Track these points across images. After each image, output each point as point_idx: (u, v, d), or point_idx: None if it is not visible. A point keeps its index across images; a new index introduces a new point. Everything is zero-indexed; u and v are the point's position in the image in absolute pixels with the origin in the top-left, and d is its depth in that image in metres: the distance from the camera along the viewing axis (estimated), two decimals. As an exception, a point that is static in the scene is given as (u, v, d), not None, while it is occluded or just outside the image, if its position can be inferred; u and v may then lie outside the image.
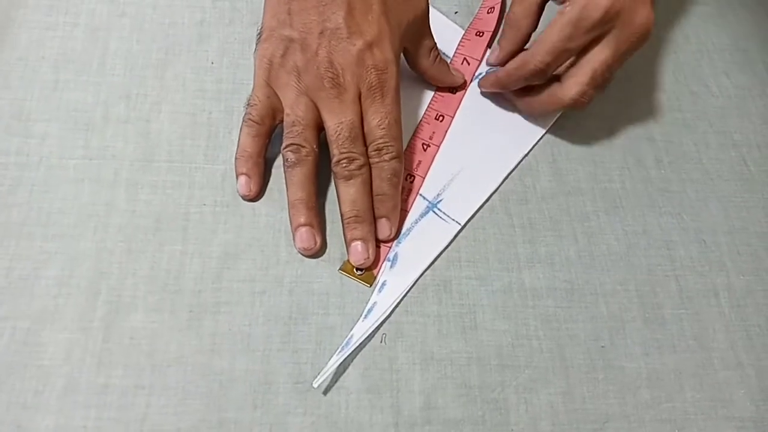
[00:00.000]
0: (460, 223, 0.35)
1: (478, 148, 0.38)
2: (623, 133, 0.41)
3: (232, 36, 0.40)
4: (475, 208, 0.36)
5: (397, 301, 0.33)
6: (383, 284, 0.33)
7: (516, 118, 0.40)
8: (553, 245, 0.36)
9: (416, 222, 0.35)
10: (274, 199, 0.35)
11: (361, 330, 0.32)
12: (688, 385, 0.33)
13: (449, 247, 0.35)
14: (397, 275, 0.33)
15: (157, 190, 0.34)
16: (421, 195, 0.36)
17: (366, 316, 0.32)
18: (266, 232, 0.34)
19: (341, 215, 0.34)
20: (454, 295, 0.34)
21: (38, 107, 0.36)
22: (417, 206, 0.36)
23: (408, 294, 0.33)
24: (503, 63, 0.39)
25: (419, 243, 0.35)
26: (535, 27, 0.38)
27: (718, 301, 0.36)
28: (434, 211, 0.36)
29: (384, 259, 0.34)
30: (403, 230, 0.35)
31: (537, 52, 0.35)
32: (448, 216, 0.36)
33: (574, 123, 0.40)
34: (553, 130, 0.40)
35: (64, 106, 0.36)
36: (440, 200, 0.36)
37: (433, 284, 0.34)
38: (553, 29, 0.35)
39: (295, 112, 0.33)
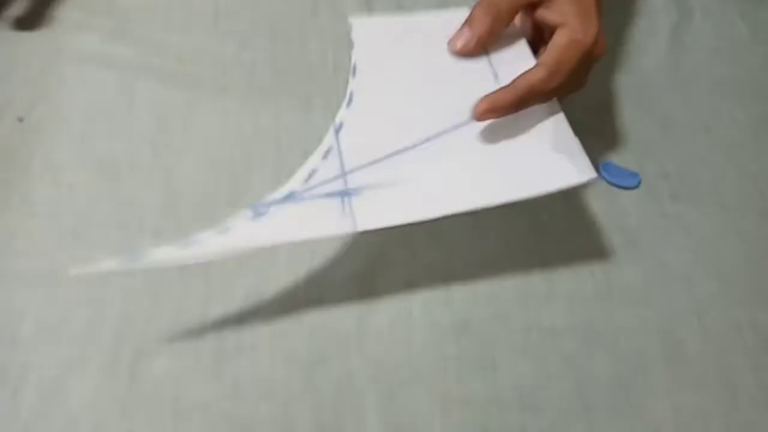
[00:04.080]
0: (356, 229, 0.30)
1: (450, 157, 0.33)
2: (637, 168, 0.41)
3: (252, 86, 0.41)
4: (392, 225, 0.31)
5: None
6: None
7: (513, 165, 0.33)
8: (571, 282, 0.36)
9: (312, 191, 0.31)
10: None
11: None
12: (714, 425, 0.32)
13: (467, 283, 0.35)
14: (260, 230, 0.30)
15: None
16: (343, 170, 0.32)
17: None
18: (286, 273, 0.35)
19: None
20: (472, 336, 0.34)
21: (68, 158, 0.37)
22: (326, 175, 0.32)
23: (425, 333, 0.34)
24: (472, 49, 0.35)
25: (298, 217, 0.31)
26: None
27: (742, 338, 0.35)
28: (343, 199, 0.31)
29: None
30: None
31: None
32: (354, 214, 0.31)
33: (588, 157, 0.40)
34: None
35: (93, 156, 0.37)
36: (358, 189, 0.31)
37: (452, 324, 0.34)
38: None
39: None
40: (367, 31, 0.37)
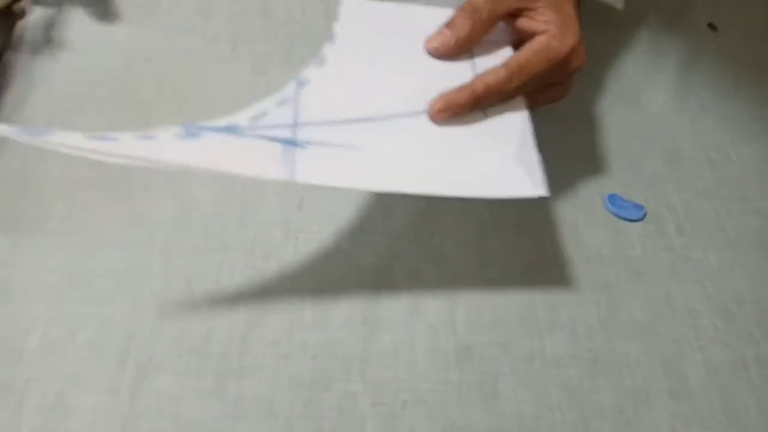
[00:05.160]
0: (296, 182, 0.29)
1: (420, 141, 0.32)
2: (643, 201, 0.41)
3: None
4: (332, 185, 0.30)
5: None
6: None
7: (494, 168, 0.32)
8: (575, 312, 0.36)
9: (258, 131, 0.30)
10: (301, 263, 0.36)
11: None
12: (718, 462, 0.32)
13: (470, 309, 0.35)
14: (187, 150, 0.29)
15: (191, 254, 0.36)
16: (296, 124, 0.31)
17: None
18: (292, 294, 0.35)
19: None
20: (475, 362, 0.34)
21: (83, 176, 0.38)
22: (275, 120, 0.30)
23: (428, 358, 0.34)
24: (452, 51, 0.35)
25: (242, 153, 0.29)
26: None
27: (748, 374, 0.35)
28: (287, 147, 0.30)
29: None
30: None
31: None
32: (295, 165, 0.29)
33: (594, 189, 0.41)
34: (572, 196, 0.41)
35: (108, 175, 0.38)
36: (305, 143, 0.30)
37: (455, 349, 0.34)
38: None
39: None
40: (356, 8, 0.36)
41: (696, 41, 0.51)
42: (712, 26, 0.52)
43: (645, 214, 0.40)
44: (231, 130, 0.29)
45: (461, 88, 0.33)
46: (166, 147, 0.28)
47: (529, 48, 0.34)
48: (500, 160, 0.32)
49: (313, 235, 0.37)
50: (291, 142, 0.30)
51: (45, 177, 0.37)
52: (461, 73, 0.34)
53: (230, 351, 0.33)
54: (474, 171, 0.32)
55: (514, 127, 0.34)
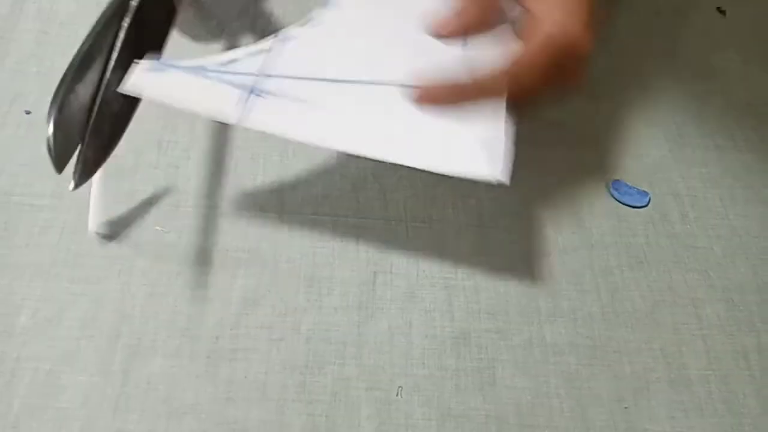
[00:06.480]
0: (239, 123, 0.30)
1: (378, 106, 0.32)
2: (648, 187, 0.40)
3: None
4: (275, 134, 0.30)
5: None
6: None
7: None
8: (576, 300, 0.36)
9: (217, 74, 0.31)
10: (295, 245, 0.35)
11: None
12: (717, 452, 0.32)
13: (468, 296, 0.35)
14: (148, 82, 0.30)
15: (183, 234, 0.35)
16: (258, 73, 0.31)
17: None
18: (286, 278, 0.34)
19: None
20: (472, 349, 0.33)
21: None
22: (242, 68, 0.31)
23: (425, 344, 0.33)
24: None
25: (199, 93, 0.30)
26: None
27: (748, 363, 0.35)
28: (244, 93, 0.30)
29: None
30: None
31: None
32: (246, 110, 0.30)
33: (598, 175, 0.40)
34: (575, 181, 0.40)
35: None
36: (266, 92, 0.31)
37: (452, 336, 0.34)
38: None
39: None
40: None
41: (704, 25, 0.50)
42: (720, 10, 0.51)
43: (649, 201, 0.40)
44: (196, 70, 0.30)
45: (453, 87, 0.31)
46: (130, 76, 0.29)
47: (531, 44, 0.31)
48: (466, 140, 0.31)
49: (307, 217, 0.36)
50: (251, 90, 0.30)
51: (34, 152, 0.36)
52: (450, 50, 0.33)
53: (222, 333, 0.32)
54: (434, 145, 0.31)
55: (488, 110, 0.32)
